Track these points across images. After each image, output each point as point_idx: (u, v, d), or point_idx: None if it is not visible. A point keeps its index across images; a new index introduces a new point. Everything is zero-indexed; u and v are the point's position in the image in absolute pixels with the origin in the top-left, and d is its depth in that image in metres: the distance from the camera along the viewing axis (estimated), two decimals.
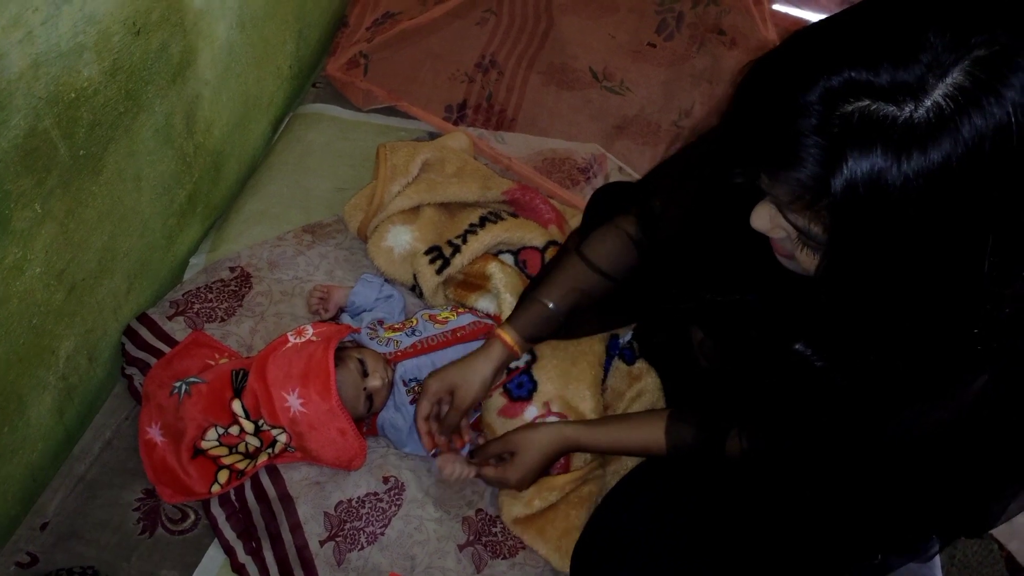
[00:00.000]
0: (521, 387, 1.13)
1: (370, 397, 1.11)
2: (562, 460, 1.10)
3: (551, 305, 1.06)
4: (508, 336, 1.06)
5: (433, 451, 1.11)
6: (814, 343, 0.69)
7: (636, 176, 1.60)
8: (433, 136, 1.59)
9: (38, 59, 0.88)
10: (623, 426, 1.03)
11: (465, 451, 1.11)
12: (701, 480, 0.98)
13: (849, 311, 0.64)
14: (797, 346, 0.69)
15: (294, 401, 1.06)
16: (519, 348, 1.07)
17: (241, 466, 1.10)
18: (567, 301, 1.06)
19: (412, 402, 1.14)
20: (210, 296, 1.29)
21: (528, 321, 1.07)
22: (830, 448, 0.81)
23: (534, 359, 1.15)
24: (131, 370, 1.20)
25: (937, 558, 1.17)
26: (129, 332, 1.23)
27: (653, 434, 0.99)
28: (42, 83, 0.89)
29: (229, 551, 1.05)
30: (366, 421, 1.15)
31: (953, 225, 0.57)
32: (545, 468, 1.05)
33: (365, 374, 1.10)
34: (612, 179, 1.60)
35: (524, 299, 1.10)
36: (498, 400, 1.13)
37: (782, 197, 0.62)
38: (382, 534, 1.07)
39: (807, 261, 0.67)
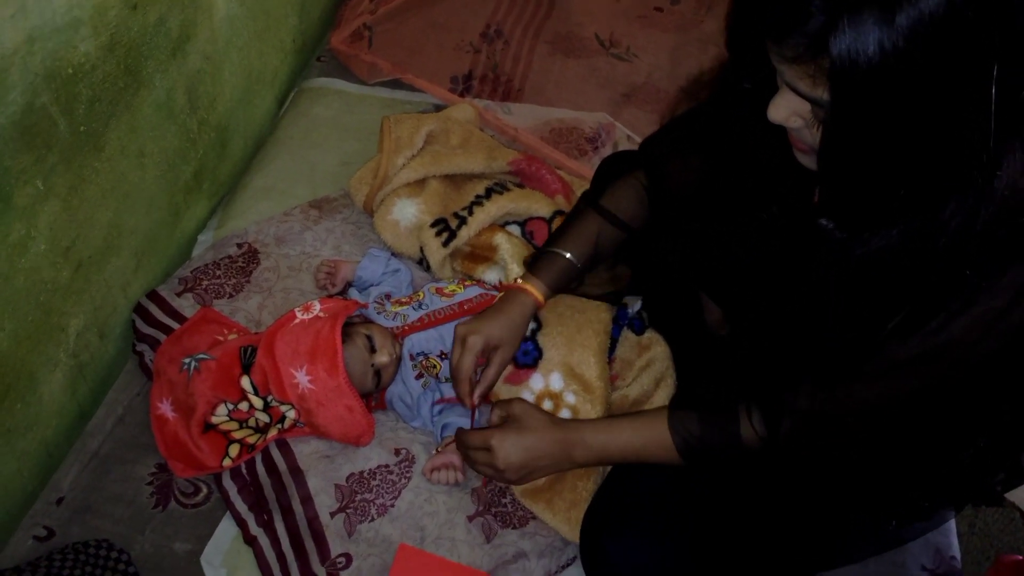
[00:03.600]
0: (527, 355, 1.12)
1: (378, 373, 1.10)
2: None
3: (568, 255, 1.06)
4: (534, 288, 1.06)
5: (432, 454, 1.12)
6: (837, 215, 0.70)
7: None
8: (439, 108, 1.58)
9: (32, 34, 0.87)
10: (622, 425, 0.97)
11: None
12: (721, 472, 0.95)
13: (862, 168, 0.65)
14: (821, 221, 0.70)
15: (302, 378, 1.06)
16: (544, 299, 1.07)
17: (251, 440, 1.10)
18: (585, 252, 1.07)
19: (418, 377, 1.14)
20: (218, 272, 1.29)
21: (549, 273, 1.07)
22: (859, 397, 0.79)
23: (539, 327, 1.14)
24: (142, 347, 1.21)
25: (953, 526, 1.16)
26: (139, 309, 1.24)
27: (656, 430, 0.93)
28: (38, 58, 0.89)
29: (241, 523, 1.06)
30: (375, 395, 1.16)
31: (956, 54, 0.58)
32: (541, 455, 0.98)
33: (373, 350, 1.10)
34: (621, 148, 1.58)
35: (542, 253, 1.09)
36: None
37: (788, 54, 0.63)
38: (392, 506, 1.07)
39: None
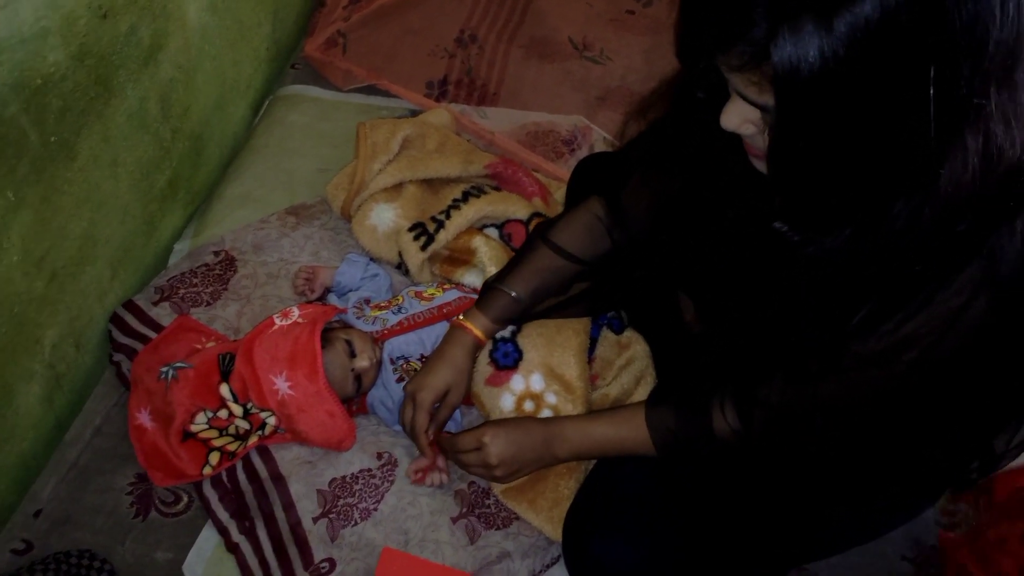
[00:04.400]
0: (507, 356, 1.13)
1: (359, 377, 1.11)
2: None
3: (513, 293, 1.08)
4: (474, 326, 1.08)
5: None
6: (789, 219, 0.71)
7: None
8: (415, 114, 1.58)
9: None
10: (601, 419, 1.00)
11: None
12: (697, 465, 0.96)
13: (809, 171, 0.66)
14: (776, 224, 0.71)
15: (282, 384, 1.06)
16: (485, 336, 1.09)
17: (232, 448, 1.10)
18: (531, 287, 1.08)
19: (399, 380, 1.14)
20: (195, 281, 1.29)
21: (493, 309, 1.09)
22: (826, 393, 0.81)
23: (519, 328, 1.15)
24: (119, 356, 1.20)
25: (932, 516, 1.18)
26: (115, 319, 1.23)
27: (634, 424, 0.96)
28: (5, 69, 0.89)
29: (223, 531, 1.06)
30: (356, 400, 1.16)
31: (893, 57, 0.58)
32: (528, 449, 0.99)
33: (353, 355, 1.10)
34: (597, 150, 1.59)
35: (489, 287, 1.10)
36: (485, 369, 1.13)
37: (734, 63, 0.64)
38: (375, 509, 1.07)
39: None
